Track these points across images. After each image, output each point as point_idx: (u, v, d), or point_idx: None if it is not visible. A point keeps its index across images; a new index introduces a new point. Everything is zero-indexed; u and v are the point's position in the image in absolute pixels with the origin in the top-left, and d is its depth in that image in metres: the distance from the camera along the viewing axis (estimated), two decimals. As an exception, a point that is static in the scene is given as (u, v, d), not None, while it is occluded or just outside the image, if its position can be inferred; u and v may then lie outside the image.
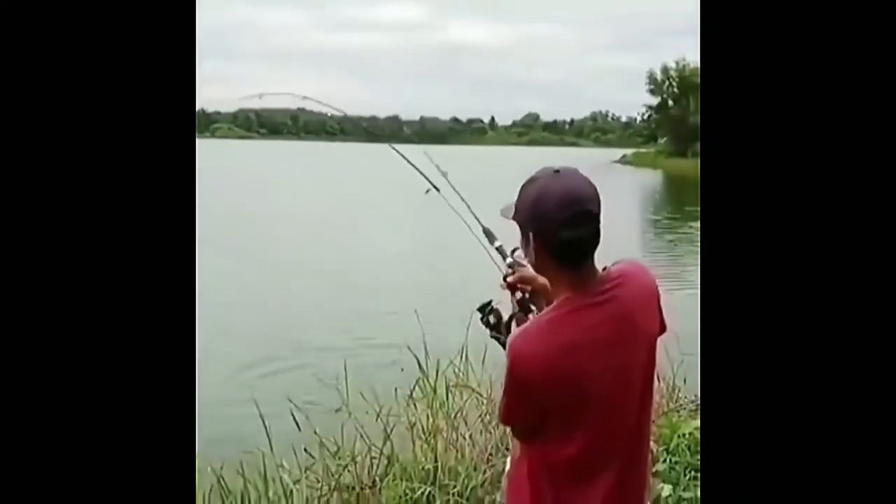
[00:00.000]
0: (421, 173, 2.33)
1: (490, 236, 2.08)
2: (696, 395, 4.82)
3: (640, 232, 18.66)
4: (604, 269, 1.69)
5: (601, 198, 1.64)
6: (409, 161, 2.38)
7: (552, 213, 1.60)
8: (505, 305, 1.98)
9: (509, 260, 1.99)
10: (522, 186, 1.69)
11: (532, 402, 1.64)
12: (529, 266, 1.87)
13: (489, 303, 1.98)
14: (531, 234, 1.66)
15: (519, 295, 1.94)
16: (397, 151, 2.47)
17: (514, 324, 1.91)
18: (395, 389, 4.22)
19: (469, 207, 2.20)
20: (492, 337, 1.96)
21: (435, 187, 2.34)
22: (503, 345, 1.83)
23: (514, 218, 1.72)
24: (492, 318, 1.97)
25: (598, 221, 1.62)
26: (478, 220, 2.14)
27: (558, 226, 1.59)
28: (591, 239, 1.63)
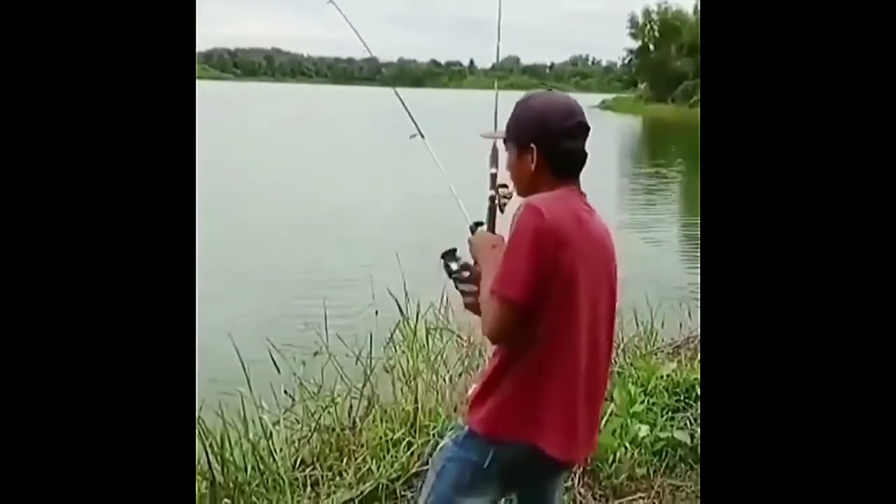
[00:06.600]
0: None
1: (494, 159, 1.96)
2: (672, 339, 4.90)
3: (621, 180, 18.65)
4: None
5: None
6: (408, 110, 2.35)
7: (558, 122, 1.70)
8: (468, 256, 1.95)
9: (491, 193, 1.97)
10: (517, 105, 1.76)
11: (554, 260, 1.59)
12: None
13: (454, 250, 1.98)
14: (532, 146, 1.71)
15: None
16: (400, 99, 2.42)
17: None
18: (370, 334, 4.20)
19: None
20: (458, 287, 1.96)
21: (421, 134, 2.33)
22: (463, 292, 1.89)
23: (508, 135, 1.77)
24: (458, 264, 1.96)
25: (587, 137, 1.74)
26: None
27: (561, 134, 1.70)
28: (584, 153, 1.74)
